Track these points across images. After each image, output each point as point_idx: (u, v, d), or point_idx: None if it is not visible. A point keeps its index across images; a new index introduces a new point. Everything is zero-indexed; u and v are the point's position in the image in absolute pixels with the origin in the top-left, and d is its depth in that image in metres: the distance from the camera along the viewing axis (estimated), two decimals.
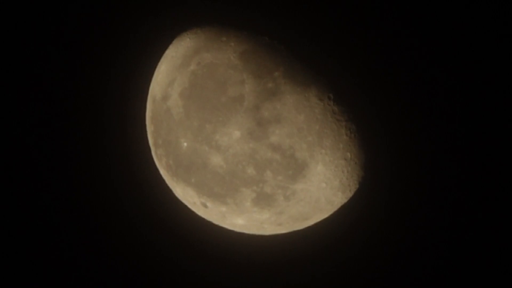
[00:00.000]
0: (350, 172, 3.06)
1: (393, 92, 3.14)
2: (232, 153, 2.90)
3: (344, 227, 3.77)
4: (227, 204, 3.10)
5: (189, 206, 3.42)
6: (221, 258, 4.64)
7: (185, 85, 3.00)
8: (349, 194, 3.20)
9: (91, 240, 4.79)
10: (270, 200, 3.03)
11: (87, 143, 4.63)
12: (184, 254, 4.73)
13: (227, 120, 2.86)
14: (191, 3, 3.34)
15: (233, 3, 3.08)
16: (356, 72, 2.97)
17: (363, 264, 4.62)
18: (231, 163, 2.92)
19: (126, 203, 4.68)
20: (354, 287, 4.68)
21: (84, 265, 4.78)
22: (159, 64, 3.36)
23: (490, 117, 4.17)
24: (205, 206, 3.20)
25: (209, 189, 3.06)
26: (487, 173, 4.30)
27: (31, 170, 4.68)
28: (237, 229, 3.46)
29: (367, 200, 3.33)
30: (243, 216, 3.19)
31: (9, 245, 4.75)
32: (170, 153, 3.13)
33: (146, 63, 3.65)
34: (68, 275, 4.78)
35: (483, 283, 4.45)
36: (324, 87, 2.88)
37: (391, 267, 4.62)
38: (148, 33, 4.20)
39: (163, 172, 3.38)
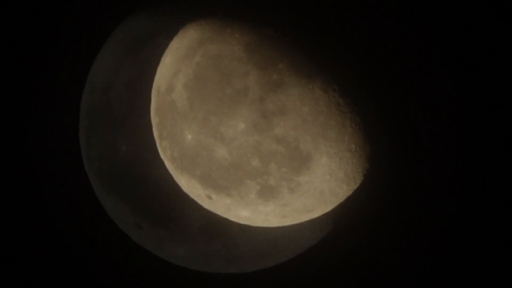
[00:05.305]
0: (355, 164, 3.06)
1: (398, 84, 3.12)
2: (236, 145, 2.90)
3: (348, 219, 3.77)
4: (231, 196, 3.11)
5: (194, 198, 3.43)
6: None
7: (190, 77, 2.99)
8: (354, 186, 3.19)
9: (95, 234, 4.78)
10: (274, 192, 3.04)
11: None
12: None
13: (232, 112, 2.86)
14: None
15: None
16: (361, 64, 2.96)
17: (367, 257, 4.63)
18: (235, 155, 2.93)
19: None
20: (358, 279, 4.69)
21: (88, 259, 4.75)
22: (164, 56, 3.36)
23: (492, 111, 4.15)
24: (210, 198, 3.21)
25: (214, 181, 3.06)
26: (490, 165, 4.29)
27: (35, 167, 4.61)
28: (241, 221, 3.46)
29: (372, 192, 3.33)
30: (247, 209, 3.20)
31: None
32: (175, 145, 3.13)
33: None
34: (69, 272, 4.64)
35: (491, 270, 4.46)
36: (329, 79, 2.87)
37: (395, 259, 4.63)
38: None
39: (168, 164, 3.39)
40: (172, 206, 2.72)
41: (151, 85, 2.84)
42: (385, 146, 3.14)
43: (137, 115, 2.67)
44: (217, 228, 2.77)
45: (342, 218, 3.19)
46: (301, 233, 2.93)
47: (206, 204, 3.39)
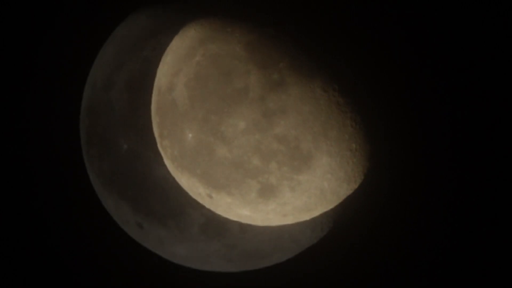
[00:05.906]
0: (356, 163, 3.06)
1: (398, 83, 3.13)
2: (237, 144, 2.90)
3: (349, 218, 3.77)
4: (232, 195, 3.11)
5: (195, 197, 3.43)
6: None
7: (190, 76, 3.00)
8: (354, 185, 3.20)
9: (95, 233, 4.76)
10: (275, 191, 3.04)
11: None
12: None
13: (232, 111, 2.86)
14: None
15: None
16: (361, 64, 2.97)
17: (367, 257, 4.63)
18: (236, 154, 2.93)
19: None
20: (358, 279, 4.69)
21: (88, 258, 4.72)
22: (164, 55, 3.36)
23: (492, 110, 4.16)
24: (211, 197, 3.21)
25: (214, 180, 3.06)
26: (490, 165, 4.29)
27: (35, 167, 4.56)
28: (242, 220, 3.46)
29: (372, 192, 3.33)
30: (248, 207, 3.20)
31: None
32: (175, 144, 3.13)
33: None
34: (69, 272, 4.56)
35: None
36: (329, 79, 2.88)
37: (395, 259, 4.63)
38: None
39: (168, 163, 3.39)
40: (173, 205, 2.71)
41: (152, 84, 2.84)
42: (385, 146, 3.15)
43: (138, 114, 2.66)
44: (218, 227, 2.76)
45: (343, 217, 3.19)
46: (302, 232, 2.92)
47: (206, 203, 3.38)
